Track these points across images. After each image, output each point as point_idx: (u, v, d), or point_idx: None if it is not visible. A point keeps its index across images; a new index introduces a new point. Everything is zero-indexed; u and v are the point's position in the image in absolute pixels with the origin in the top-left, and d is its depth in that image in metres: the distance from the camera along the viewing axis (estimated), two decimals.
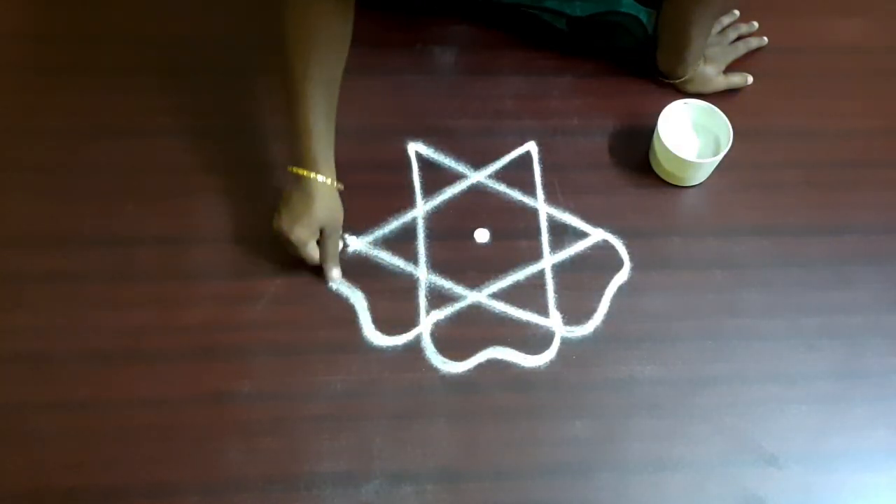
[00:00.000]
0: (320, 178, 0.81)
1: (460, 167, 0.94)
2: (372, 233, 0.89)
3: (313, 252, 0.83)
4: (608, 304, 0.87)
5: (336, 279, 0.85)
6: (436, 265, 0.88)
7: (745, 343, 0.86)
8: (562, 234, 0.91)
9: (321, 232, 0.83)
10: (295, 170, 0.81)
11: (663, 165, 0.93)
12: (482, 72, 1.01)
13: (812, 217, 0.94)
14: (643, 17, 0.95)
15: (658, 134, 0.90)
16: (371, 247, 0.89)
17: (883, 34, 1.08)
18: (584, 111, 0.98)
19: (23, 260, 0.85)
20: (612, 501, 0.78)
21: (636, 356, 0.84)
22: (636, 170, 0.95)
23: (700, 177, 0.94)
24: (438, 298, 0.86)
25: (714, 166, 0.92)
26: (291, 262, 0.86)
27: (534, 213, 0.92)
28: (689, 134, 0.95)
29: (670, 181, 0.94)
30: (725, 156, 0.90)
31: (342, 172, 0.92)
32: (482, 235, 0.90)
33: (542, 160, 0.95)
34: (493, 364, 0.83)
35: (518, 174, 0.94)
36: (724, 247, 0.91)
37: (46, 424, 0.78)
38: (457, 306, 0.86)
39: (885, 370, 0.85)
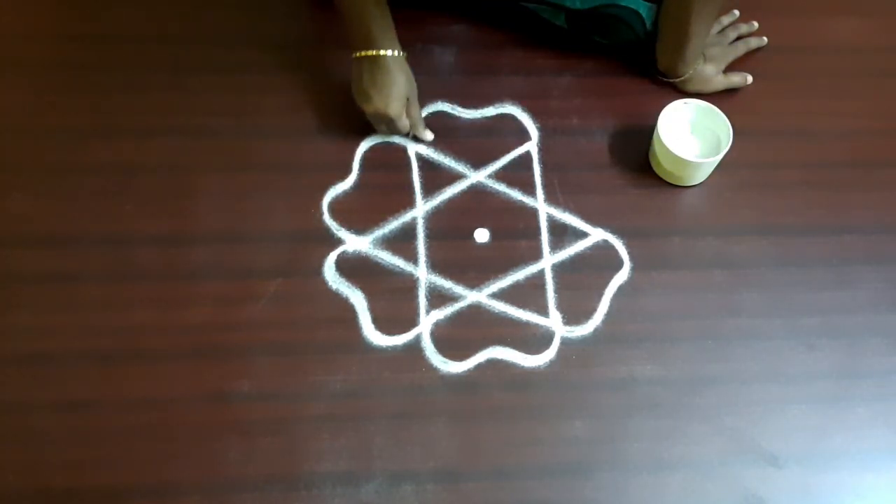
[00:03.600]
0: (391, 52, 0.86)
1: (460, 167, 0.94)
2: (372, 232, 0.89)
3: (406, 122, 0.91)
4: (608, 304, 0.87)
5: (430, 138, 0.94)
6: (436, 265, 0.88)
7: (745, 343, 0.86)
8: (562, 234, 0.91)
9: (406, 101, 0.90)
10: (363, 53, 0.86)
11: (663, 165, 0.92)
12: (482, 72, 1.01)
13: (812, 217, 0.94)
14: (643, 11, 0.95)
15: (658, 134, 0.90)
16: (371, 247, 0.89)
17: (883, 34, 1.08)
18: (584, 111, 0.98)
19: (23, 260, 0.85)
20: (612, 501, 0.78)
21: (636, 356, 0.84)
22: (636, 170, 0.95)
23: (700, 177, 0.94)
24: (438, 298, 0.86)
25: (714, 166, 0.92)
26: (291, 261, 0.86)
27: (534, 213, 0.92)
28: (689, 134, 0.95)
29: (670, 181, 0.94)
30: (725, 156, 0.90)
31: (342, 173, 0.93)
32: (482, 235, 0.90)
33: (542, 160, 0.95)
34: (493, 364, 0.83)
35: (518, 174, 0.94)
36: (724, 247, 0.91)
37: (46, 424, 0.78)
38: (457, 306, 0.86)
39: (885, 370, 0.85)
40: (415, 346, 0.84)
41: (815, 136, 0.99)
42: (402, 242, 0.89)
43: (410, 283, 0.87)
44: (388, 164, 0.94)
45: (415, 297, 0.86)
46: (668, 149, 0.89)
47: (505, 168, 0.95)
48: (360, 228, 0.90)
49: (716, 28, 1.03)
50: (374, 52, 0.85)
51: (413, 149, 0.95)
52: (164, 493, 0.76)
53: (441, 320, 0.85)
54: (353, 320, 0.84)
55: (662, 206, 0.94)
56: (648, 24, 0.96)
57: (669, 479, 0.79)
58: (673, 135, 0.92)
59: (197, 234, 0.88)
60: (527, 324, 0.86)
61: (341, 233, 0.89)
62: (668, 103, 0.92)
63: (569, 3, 0.96)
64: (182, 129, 0.94)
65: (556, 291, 0.87)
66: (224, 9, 1.03)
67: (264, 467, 0.77)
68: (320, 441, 0.78)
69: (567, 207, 0.92)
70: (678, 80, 0.98)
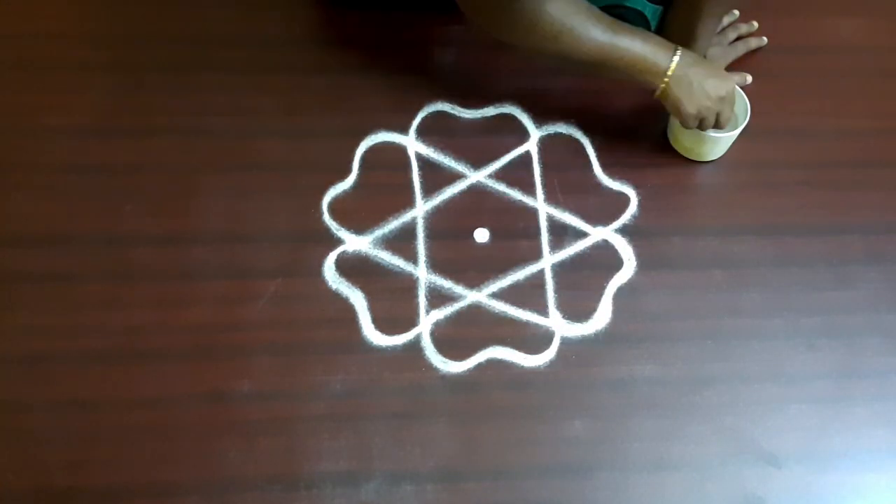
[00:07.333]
0: (675, 59, 0.83)
1: (460, 167, 0.94)
2: (372, 232, 0.89)
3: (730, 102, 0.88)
4: (608, 303, 0.87)
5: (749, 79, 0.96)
6: (436, 265, 0.88)
7: (745, 343, 0.86)
8: (562, 233, 0.91)
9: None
10: (663, 83, 0.84)
11: (682, 141, 0.93)
12: (482, 72, 1.01)
13: (812, 217, 0.94)
14: (648, 13, 0.95)
15: None
16: (371, 246, 0.89)
17: (883, 34, 1.08)
18: (584, 111, 0.98)
19: (23, 260, 0.85)
20: (612, 501, 0.78)
21: (636, 356, 0.84)
22: (637, 169, 0.95)
23: (718, 152, 0.94)
24: (438, 298, 0.86)
25: (732, 141, 0.92)
26: (291, 261, 0.86)
27: (534, 212, 0.92)
28: None
29: (689, 157, 0.94)
30: (726, 155, 0.90)
31: (342, 173, 0.92)
32: (482, 235, 0.90)
33: (542, 160, 0.95)
34: (492, 364, 0.83)
35: (518, 174, 0.94)
36: (724, 247, 0.91)
37: (46, 424, 0.78)
38: (456, 306, 0.86)
39: (885, 370, 0.85)
40: (415, 346, 0.83)
41: (815, 136, 0.99)
42: (401, 242, 0.89)
43: (410, 282, 0.87)
44: (388, 164, 0.94)
45: (415, 296, 0.86)
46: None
47: (505, 168, 0.94)
48: (359, 228, 0.89)
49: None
50: (670, 72, 0.83)
51: (413, 148, 0.95)
52: (164, 493, 0.75)
53: (441, 320, 0.85)
54: (353, 320, 0.84)
55: (662, 205, 0.94)
56: (652, 27, 0.96)
57: (669, 479, 0.79)
58: None
59: (197, 234, 0.88)
60: (527, 324, 0.85)
61: (341, 233, 0.89)
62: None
63: None
64: (182, 129, 0.94)
65: (556, 291, 0.87)
66: (224, 8, 1.03)
67: (264, 467, 0.77)
68: (320, 441, 0.78)
69: (567, 207, 0.92)
70: None
